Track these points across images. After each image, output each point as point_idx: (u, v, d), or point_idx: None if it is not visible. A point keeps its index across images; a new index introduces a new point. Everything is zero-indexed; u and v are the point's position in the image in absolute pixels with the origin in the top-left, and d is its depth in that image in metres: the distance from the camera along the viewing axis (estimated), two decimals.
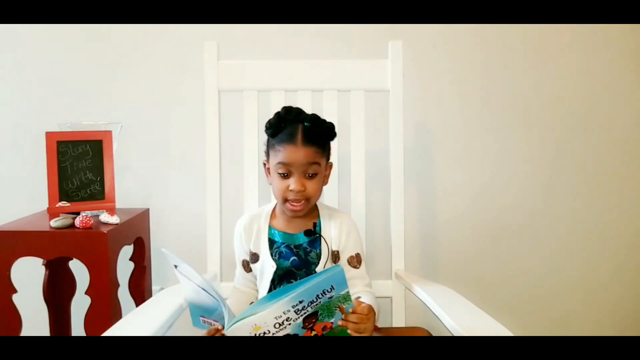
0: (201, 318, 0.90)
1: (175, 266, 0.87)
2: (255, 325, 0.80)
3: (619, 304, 1.67)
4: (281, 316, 0.81)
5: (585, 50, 1.60)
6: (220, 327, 0.88)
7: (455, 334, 0.85)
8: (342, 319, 0.85)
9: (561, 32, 1.59)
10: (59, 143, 1.34)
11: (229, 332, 0.81)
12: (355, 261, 1.06)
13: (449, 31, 1.56)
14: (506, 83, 1.59)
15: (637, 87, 1.61)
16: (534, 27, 1.57)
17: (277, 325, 0.81)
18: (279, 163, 1.00)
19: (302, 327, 0.83)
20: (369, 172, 1.27)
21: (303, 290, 0.79)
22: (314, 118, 1.02)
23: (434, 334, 1.03)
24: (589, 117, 1.62)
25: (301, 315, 0.82)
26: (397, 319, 1.21)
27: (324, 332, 0.85)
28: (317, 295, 0.81)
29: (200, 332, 0.92)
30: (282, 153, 0.99)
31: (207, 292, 0.84)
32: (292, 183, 0.99)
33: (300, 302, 0.80)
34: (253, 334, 0.81)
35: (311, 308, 0.82)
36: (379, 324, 1.03)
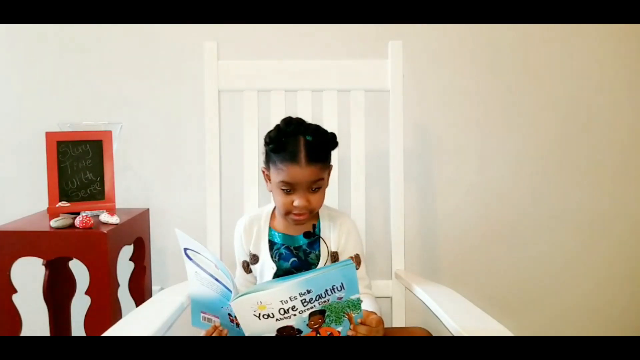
0: (202, 314, 0.90)
1: (185, 250, 0.86)
2: (261, 303, 0.80)
3: (620, 306, 1.67)
4: (287, 301, 0.79)
5: (586, 50, 1.60)
6: (218, 325, 0.88)
7: (455, 334, 0.85)
8: (351, 329, 0.84)
9: (561, 32, 1.59)
10: (59, 143, 1.34)
11: (233, 303, 0.80)
12: (355, 262, 1.06)
13: (449, 31, 1.56)
14: (506, 83, 1.59)
15: (636, 87, 1.61)
16: (534, 27, 1.57)
17: (282, 312, 0.80)
18: (282, 182, 0.97)
19: (308, 325, 0.83)
20: (368, 172, 1.27)
21: (312, 277, 0.79)
22: (316, 130, 0.99)
23: (434, 334, 1.03)
24: (589, 117, 1.61)
25: (308, 309, 0.81)
26: (397, 319, 1.21)
27: None
28: (327, 290, 0.80)
29: (200, 332, 0.92)
30: (285, 173, 0.96)
31: (219, 269, 0.83)
32: (297, 199, 0.98)
33: (309, 291, 0.79)
34: (258, 313, 0.80)
35: (319, 304, 0.81)
36: None
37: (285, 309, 0.80)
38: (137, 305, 1.44)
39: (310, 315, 0.82)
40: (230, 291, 0.83)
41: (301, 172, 0.96)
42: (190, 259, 0.87)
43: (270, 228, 1.07)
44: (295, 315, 0.81)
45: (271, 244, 1.06)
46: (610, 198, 1.64)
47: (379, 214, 1.38)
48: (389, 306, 1.21)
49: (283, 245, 1.05)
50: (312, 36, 1.54)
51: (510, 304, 1.64)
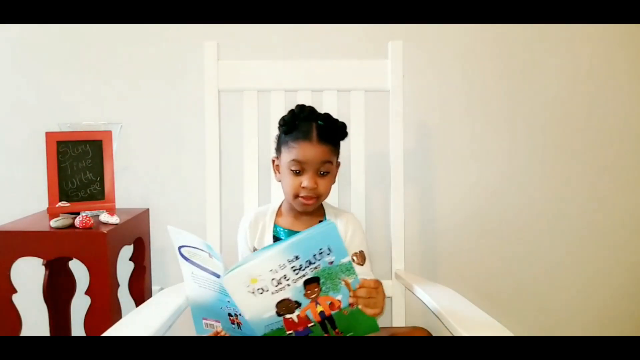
0: (204, 321, 0.90)
1: (180, 249, 0.86)
2: (252, 276, 0.79)
3: (620, 303, 1.67)
4: (277, 271, 0.78)
5: (587, 50, 1.60)
6: (220, 330, 0.89)
7: (455, 334, 0.85)
8: (351, 296, 0.83)
9: (562, 32, 1.59)
10: (59, 143, 1.34)
11: (225, 280, 0.79)
12: (360, 258, 1.07)
13: (449, 31, 1.56)
14: (506, 83, 1.59)
15: (638, 87, 1.61)
16: (534, 27, 1.57)
17: (275, 282, 0.79)
18: (294, 160, 1.01)
19: (305, 296, 0.81)
20: (369, 173, 1.27)
21: (296, 241, 0.78)
22: (327, 117, 1.05)
23: (434, 334, 1.03)
24: (591, 117, 1.61)
25: (300, 277, 0.80)
26: (397, 319, 1.21)
27: (333, 313, 0.84)
28: (315, 255, 0.79)
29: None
30: (297, 150, 1.00)
31: (212, 257, 0.81)
32: (305, 180, 1.00)
33: (297, 257, 0.78)
34: (251, 288, 0.79)
35: (310, 271, 0.80)
36: (379, 325, 1.03)
37: (277, 279, 0.79)
38: (137, 305, 1.44)
39: (305, 284, 0.81)
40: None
41: (312, 149, 1.00)
42: (185, 258, 0.86)
43: (275, 224, 1.08)
44: (289, 285, 0.80)
45: (275, 240, 1.07)
46: (613, 199, 1.64)
47: (379, 214, 1.38)
48: (389, 306, 1.21)
49: None
50: (312, 36, 1.54)
51: (510, 304, 1.64)
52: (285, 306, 0.82)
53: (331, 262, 0.80)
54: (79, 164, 1.36)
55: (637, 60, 1.61)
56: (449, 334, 0.86)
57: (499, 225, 1.63)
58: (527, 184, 1.63)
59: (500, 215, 1.63)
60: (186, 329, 0.96)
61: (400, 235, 1.24)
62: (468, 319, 0.89)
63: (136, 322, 0.91)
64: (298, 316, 0.83)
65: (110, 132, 1.39)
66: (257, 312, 0.82)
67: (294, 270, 0.79)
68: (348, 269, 0.82)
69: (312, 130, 1.01)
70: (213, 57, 1.24)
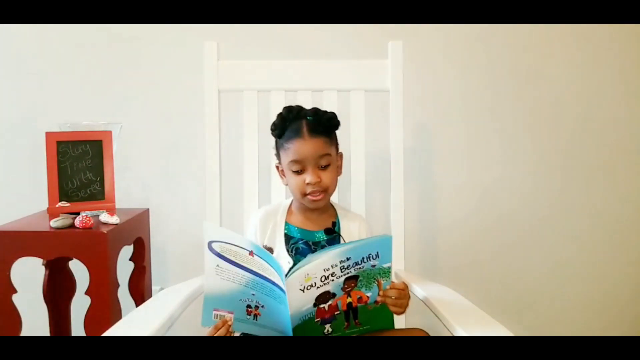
0: (214, 312, 0.90)
1: (210, 243, 0.87)
2: (307, 275, 0.85)
3: (619, 306, 1.67)
4: (329, 269, 0.85)
5: (587, 50, 1.60)
6: (229, 320, 0.89)
7: (455, 334, 0.85)
8: (380, 295, 0.90)
9: (562, 32, 1.59)
10: (59, 143, 1.34)
11: (288, 281, 0.84)
12: None
13: (449, 31, 1.56)
14: (506, 83, 1.60)
15: (636, 88, 1.61)
16: (534, 27, 1.57)
17: (323, 279, 0.86)
18: (292, 161, 1.02)
19: (342, 289, 0.88)
20: (369, 172, 1.27)
21: (353, 246, 0.85)
22: (316, 111, 1.05)
23: (433, 334, 1.02)
24: (591, 118, 1.62)
25: (344, 275, 0.87)
26: (397, 319, 1.20)
27: (359, 305, 0.90)
28: (363, 258, 0.86)
29: (203, 332, 0.92)
30: (292, 150, 1.01)
31: (256, 255, 0.85)
32: (308, 176, 1.01)
33: (348, 259, 0.86)
34: (303, 286, 0.85)
35: (354, 270, 0.87)
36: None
37: (326, 275, 0.86)
38: (137, 305, 1.44)
39: (346, 279, 0.87)
40: (266, 278, 0.85)
41: (306, 145, 1.01)
42: (213, 252, 0.87)
43: (286, 222, 1.08)
44: (333, 280, 0.86)
45: (287, 238, 1.07)
46: (613, 202, 1.64)
47: (379, 214, 1.38)
48: None
49: (301, 240, 1.06)
50: (312, 36, 1.54)
51: (510, 304, 1.64)
52: (322, 297, 0.87)
53: (374, 265, 0.87)
54: (79, 164, 1.36)
55: (636, 61, 1.61)
56: (449, 334, 0.86)
57: (499, 224, 1.63)
58: (527, 183, 1.63)
59: (500, 215, 1.63)
60: (186, 329, 0.96)
61: (400, 235, 1.24)
62: (468, 319, 0.89)
63: (136, 322, 0.90)
64: (329, 305, 0.89)
65: (110, 132, 1.39)
66: (299, 307, 0.87)
67: (342, 269, 0.86)
68: (385, 273, 0.89)
69: (303, 127, 1.02)
70: (213, 57, 1.24)
